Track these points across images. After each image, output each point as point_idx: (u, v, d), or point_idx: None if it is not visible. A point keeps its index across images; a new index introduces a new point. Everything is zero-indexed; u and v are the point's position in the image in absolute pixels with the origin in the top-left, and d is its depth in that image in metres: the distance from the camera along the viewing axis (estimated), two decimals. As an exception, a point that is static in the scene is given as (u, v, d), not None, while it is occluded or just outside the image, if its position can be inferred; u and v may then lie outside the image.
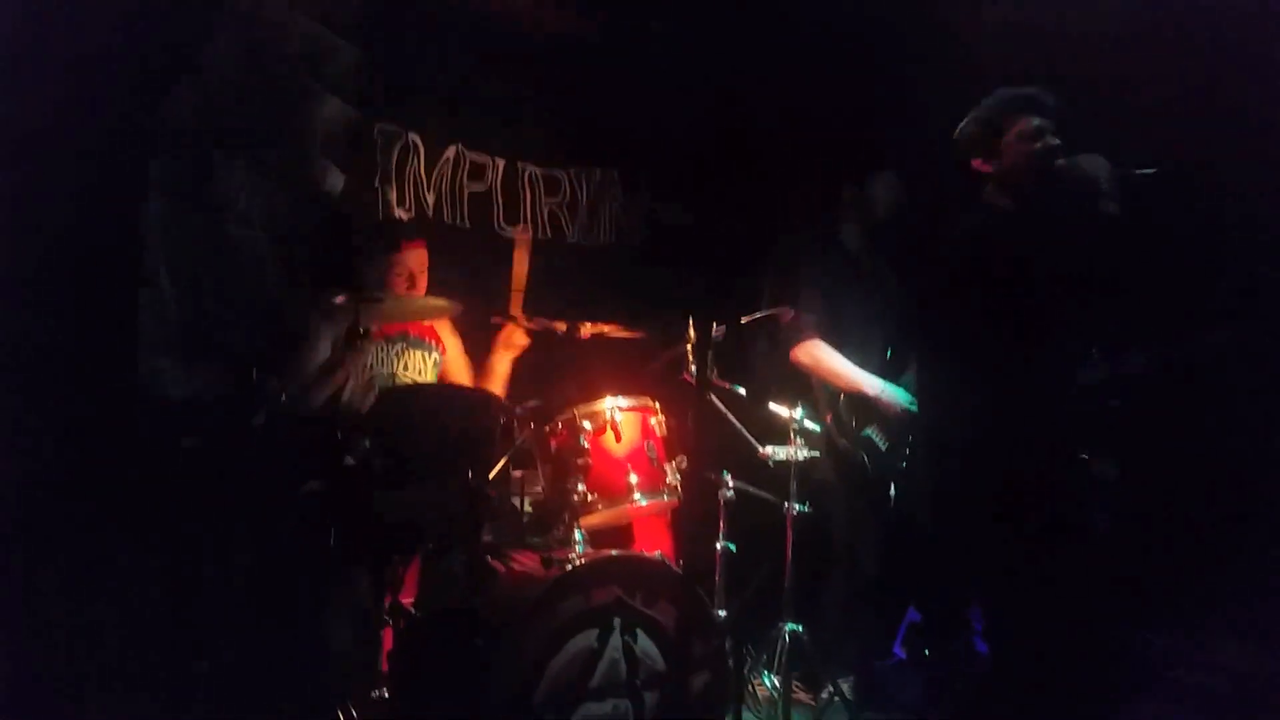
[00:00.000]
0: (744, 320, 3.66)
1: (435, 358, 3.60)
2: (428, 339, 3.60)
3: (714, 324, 3.38)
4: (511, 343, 3.63)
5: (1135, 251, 2.70)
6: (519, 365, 3.66)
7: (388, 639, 3.05)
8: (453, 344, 3.69)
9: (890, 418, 3.67)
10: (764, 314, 3.77)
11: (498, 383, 3.63)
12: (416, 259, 3.48)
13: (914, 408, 3.61)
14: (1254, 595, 3.87)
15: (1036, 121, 2.73)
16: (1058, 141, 2.73)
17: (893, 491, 3.70)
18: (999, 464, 2.59)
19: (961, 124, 2.87)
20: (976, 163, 2.77)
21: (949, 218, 2.80)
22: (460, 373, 3.66)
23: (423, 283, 3.50)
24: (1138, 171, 2.64)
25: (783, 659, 3.48)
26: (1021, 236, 2.67)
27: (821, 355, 3.74)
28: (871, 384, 3.67)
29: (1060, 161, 2.69)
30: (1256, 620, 3.89)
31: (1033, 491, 2.58)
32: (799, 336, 3.80)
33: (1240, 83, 3.50)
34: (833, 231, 4.10)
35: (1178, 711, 3.74)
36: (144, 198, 3.29)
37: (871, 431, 3.71)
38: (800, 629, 3.49)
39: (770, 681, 3.55)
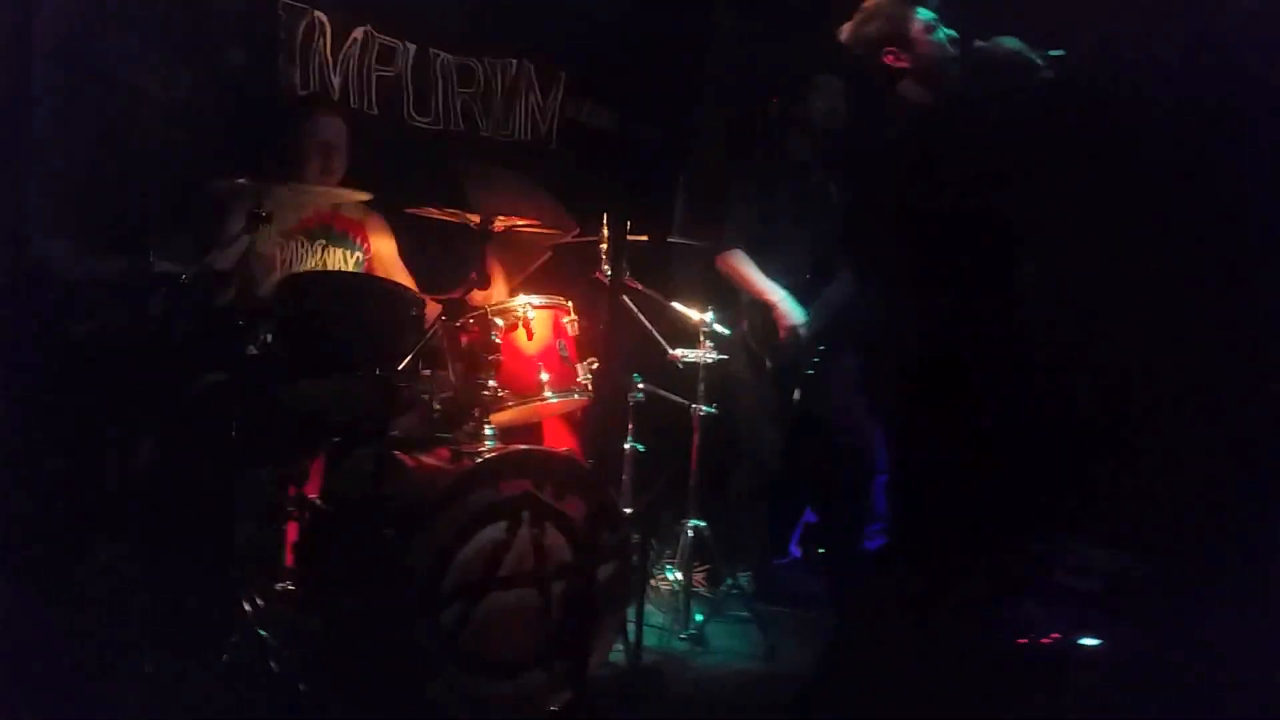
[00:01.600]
0: (669, 239, 3.69)
1: (359, 256, 3.45)
2: (352, 235, 3.45)
3: (629, 227, 3.37)
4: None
5: (1058, 141, 2.73)
6: (433, 258, 3.57)
7: (291, 532, 3.03)
8: (384, 244, 3.53)
9: (781, 328, 3.76)
10: (688, 240, 3.81)
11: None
12: (330, 128, 3.34)
13: (806, 326, 3.71)
14: (1126, 503, 4.10)
15: (928, 13, 2.74)
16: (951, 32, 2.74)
17: (796, 395, 3.79)
18: (925, 367, 2.62)
19: (854, 25, 2.85)
20: (889, 59, 2.76)
21: (870, 123, 2.79)
22: (393, 275, 3.48)
23: (339, 161, 3.35)
24: (1049, 53, 2.65)
25: (685, 554, 3.58)
26: (948, 128, 2.66)
27: (735, 263, 3.86)
28: (774, 294, 3.77)
29: (978, 44, 2.69)
30: (1126, 526, 4.14)
31: (953, 394, 2.64)
32: (723, 246, 3.87)
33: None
34: (772, 140, 4.10)
35: (1052, 612, 3.97)
36: (29, 71, 3.08)
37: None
38: (703, 525, 3.58)
39: (673, 575, 3.64)
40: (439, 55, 4.26)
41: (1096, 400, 4.17)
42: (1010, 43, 2.68)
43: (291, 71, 3.81)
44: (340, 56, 3.98)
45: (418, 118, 4.21)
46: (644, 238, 3.46)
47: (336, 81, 3.96)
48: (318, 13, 3.88)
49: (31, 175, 3.03)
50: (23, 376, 3.01)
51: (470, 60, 4.35)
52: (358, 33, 4.02)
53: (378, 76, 4.10)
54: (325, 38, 3.92)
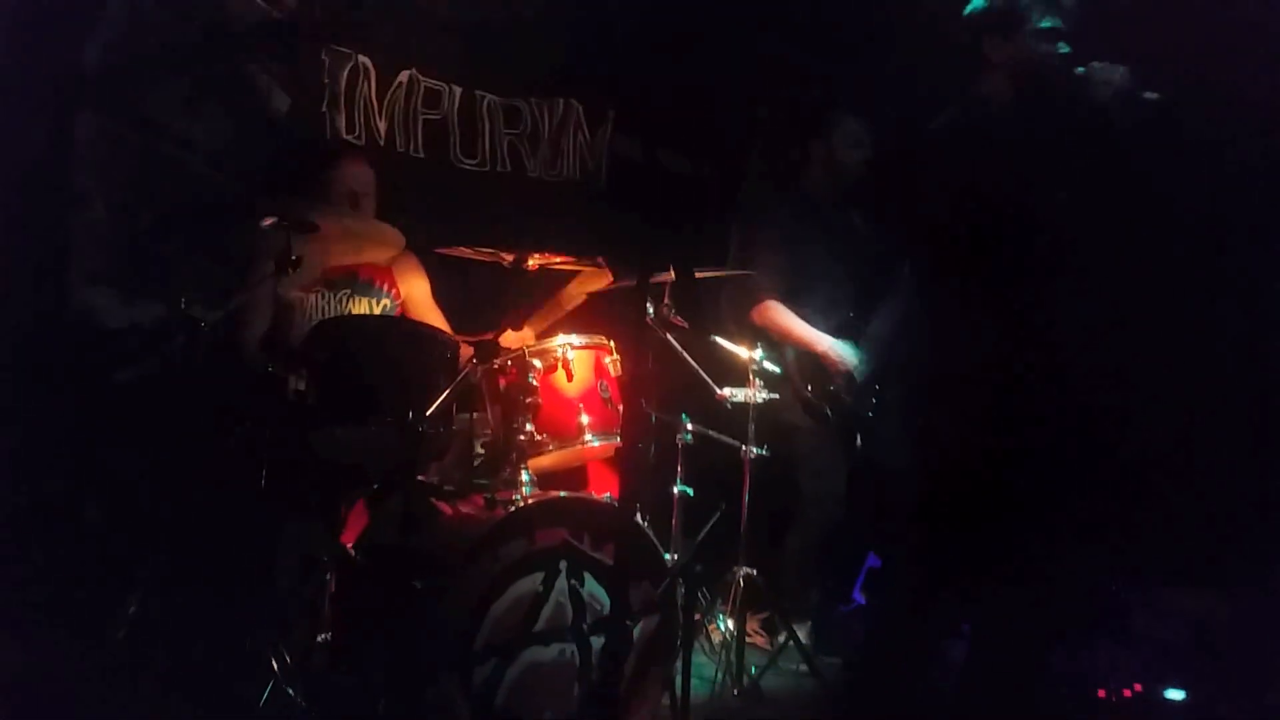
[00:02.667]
0: (699, 275, 3.59)
1: (386, 303, 3.40)
2: (378, 283, 3.41)
3: (670, 268, 3.29)
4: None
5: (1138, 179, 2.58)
6: (469, 297, 3.52)
7: (333, 584, 2.96)
8: (416, 287, 3.48)
9: (835, 374, 3.68)
10: (722, 273, 3.71)
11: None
12: (358, 177, 3.31)
13: (861, 367, 3.60)
14: (1208, 543, 3.89)
15: (1057, 21, 2.60)
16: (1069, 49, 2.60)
17: (859, 441, 3.67)
18: (992, 411, 2.47)
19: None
20: (987, 46, 2.62)
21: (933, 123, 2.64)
22: (426, 319, 3.42)
23: (368, 208, 3.32)
24: (1145, 95, 2.50)
25: (737, 602, 3.43)
26: (1019, 133, 2.53)
27: (774, 316, 3.77)
28: (820, 342, 3.70)
29: (1095, 65, 2.54)
30: (1210, 568, 3.92)
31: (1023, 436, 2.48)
32: (755, 298, 3.79)
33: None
34: (795, 186, 4.03)
35: (1134, 658, 3.76)
36: (75, 117, 3.12)
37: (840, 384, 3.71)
38: (754, 573, 3.44)
39: (725, 625, 3.50)
40: (485, 97, 4.25)
41: (1175, 432, 3.99)
42: (1109, 72, 2.53)
43: (336, 116, 3.82)
44: (385, 100, 3.98)
45: (464, 160, 4.19)
46: (669, 276, 3.36)
47: (382, 126, 3.97)
48: (362, 57, 3.90)
49: (73, 223, 3.05)
50: (66, 424, 3.01)
51: (516, 101, 4.33)
52: (403, 76, 4.03)
53: (424, 120, 4.10)
54: (370, 82, 3.93)
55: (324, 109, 3.79)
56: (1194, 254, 3.50)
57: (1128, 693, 3.57)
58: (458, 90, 4.18)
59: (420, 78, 4.07)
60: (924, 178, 2.67)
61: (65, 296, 3.09)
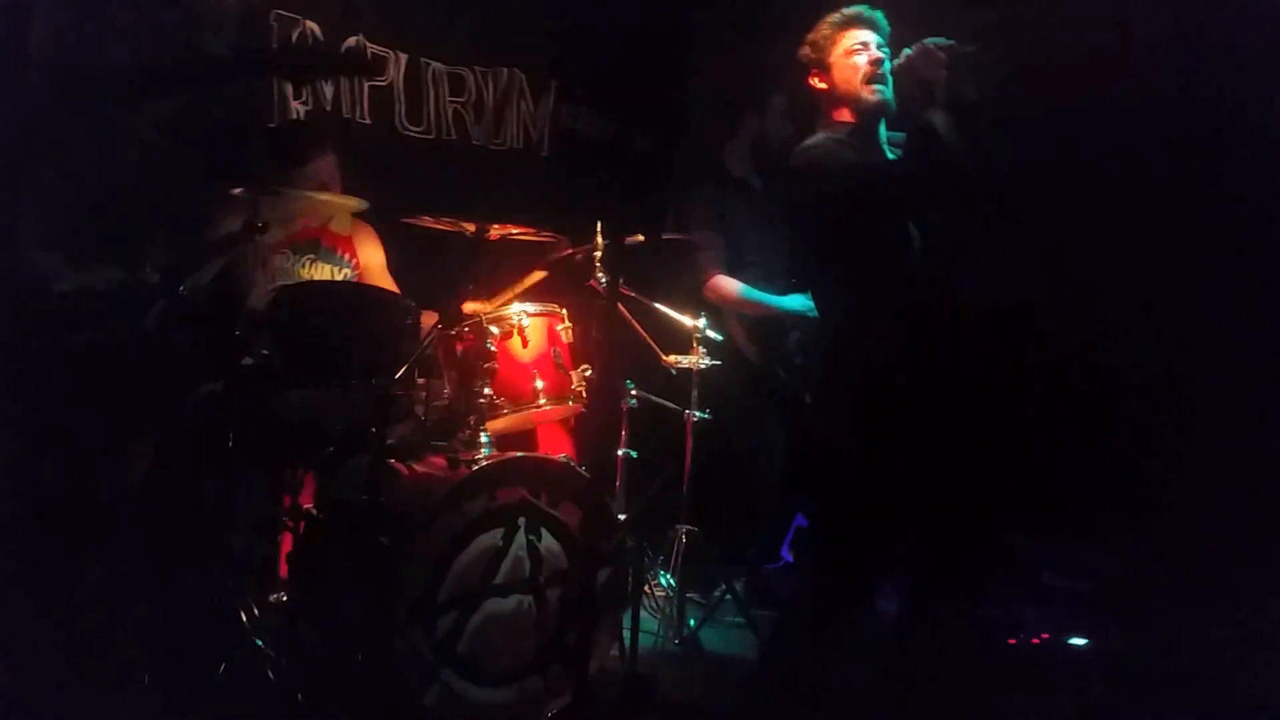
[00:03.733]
0: (664, 237, 3.70)
1: (347, 272, 3.46)
2: (340, 250, 3.46)
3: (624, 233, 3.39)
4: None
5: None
6: (429, 267, 3.58)
7: (287, 543, 3.04)
8: (373, 256, 3.54)
9: (791, 330, 3.78)
10: (682, 236, 3.82)
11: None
12: (325, 169, 3.36)
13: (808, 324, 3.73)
14: (1118, 502, 4.14)
15: (864, 35, 2.71)
16: (882, 55, 2.69)
17: (808, 399, 3.80)
18: (908, 379, 2.64)
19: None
20: (812, 80, 2.76)
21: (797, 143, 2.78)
22: (382, 286, 3.48)
23: (335, 189, 3.38)
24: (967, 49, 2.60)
25: (678, 559, 3.60)
26: (856, 157, 2.64)
27: (725, 288, 3.87)
28: (782, 303, 3.77)
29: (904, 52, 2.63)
30: (1118, 526, 4.17)
31: (926, 397, 2.65)
32: (703, 274, 3.90)
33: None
34: (726, 160, 4.14)
35: (1046, 613, 4.01)
36: (21, 86, 3.09)
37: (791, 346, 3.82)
38: (696, 530, 3.60)
39: (666, 580, 3.66)
40: (430, 64, 4.28)
41: (1084, 397, 4.22)
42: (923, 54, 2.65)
43: (283, 81, 3.82)
44: (333, 66, 3.99)
45: (410, 127, 4.23)
46: (639, 237, 3.46)
47: (329, 91, 3.98)
48: (310, 23, 3.90)
49: (24, 188, 3.02)
50: (16, 388, 3.00)
51: (461, 69, 4.37)
52: (349, 42, 4.04)
53: (370, 86, 4.12)
54: (318, 47, 3.93)
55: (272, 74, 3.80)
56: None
57: (1036, 641, 3.81)
58: (404, 57, 4.21)
59: (366, 44, 4.09)
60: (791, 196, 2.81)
61: (14, 261, 3.07)
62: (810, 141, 2.70)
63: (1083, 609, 4.02)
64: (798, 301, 3.74)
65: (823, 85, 2.74)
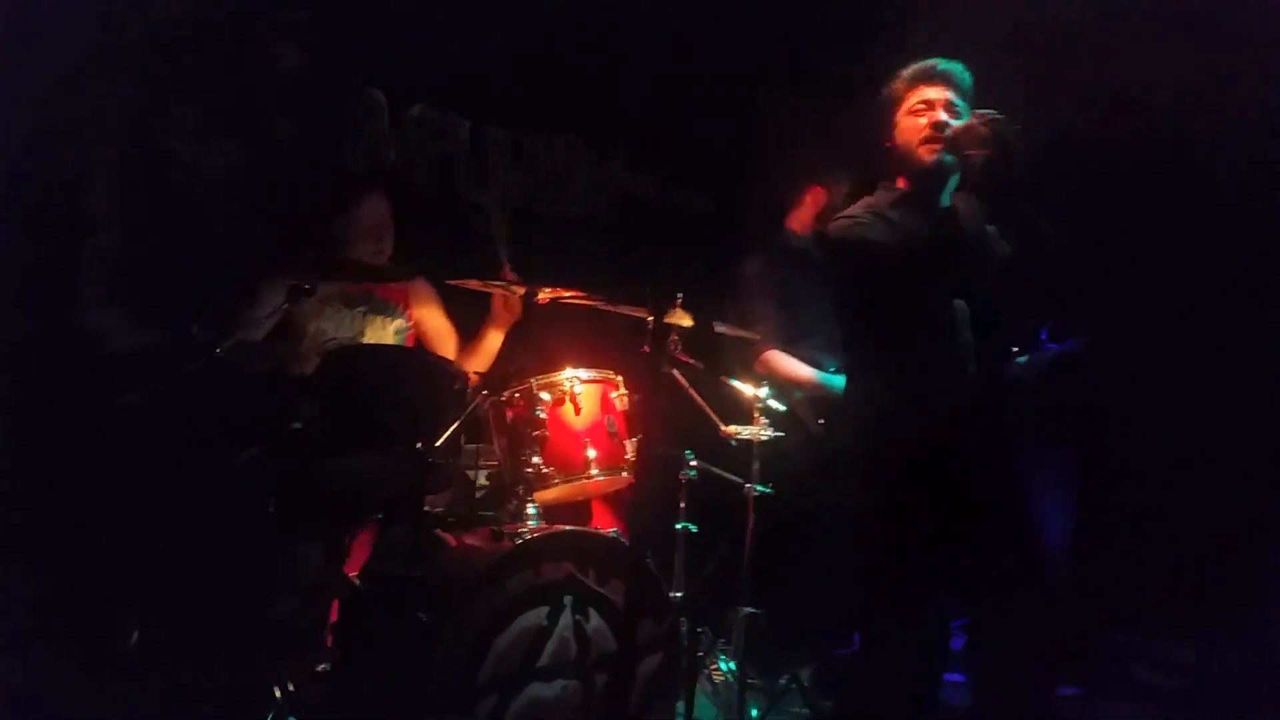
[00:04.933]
0: (716, 329, 3.61)
1: (399, 324, 3.42)
2: (393, 303, 3.42)
3: (679, 300, 3.30)
4: (504, 314, 3.39)
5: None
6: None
7: (334, 612, 2.93)
8: (430, 312, 3.50)
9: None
10: (734, 333, 3.72)
11: (486, 358, 3.42)
12: (377, 211, 3.33)
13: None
14: (1203, 593, 3.89)
15: (931, 93, 2.54)
16: (947, 114, 2.51)
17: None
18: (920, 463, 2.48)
19: None
20: (883, 141, 2.61)
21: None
22: (439, 343, 3.46)
23: (388, 239, 3.35)
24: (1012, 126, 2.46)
25: (740, 643, 3.40)
26: (885, 231, 2.49)
27: (777, 365, 3.79)
28: (834, 382, 3.66)
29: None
30: (1206, 618, 3.91)
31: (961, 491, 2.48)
32: (756, 350, 3.80)
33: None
34: (780, 230, 4.06)
35: (1133, 707, 3.74)
36: (85, 144, 3.14)
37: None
38: (758, 613, 3.41)
39: (726, 666, 3.46)
40: (493, 130, 4.28)
41: (1173, 484, 4.01)
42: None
43: (348, 149, 3.85)
44: (396, 133, 4.01)
45: (472, 193, 4.21)
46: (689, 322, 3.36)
47: (390, 155, 3.99)
48: (375, 91, 3.92)
49: (83, 246, 3.05)
50: (70, 447, 2.99)
51: (524, 135, 4.36)
52: (415, 109, 4.06)
53: (433, 153, 4.12)
54: (381, 114, 3.95)
55: (334, 140, 3.82)
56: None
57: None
58: (466, 124, 4.21)
59: (430, 111, 4.11)
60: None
61: (75, 319, 3.08)
62: (845, 212, 2.58)
63: (1177, 707, 3.74)
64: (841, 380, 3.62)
65: (889, 145, 2.61)
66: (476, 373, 3.08)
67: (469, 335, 3.52)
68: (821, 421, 3.75)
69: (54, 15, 2.99)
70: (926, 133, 2.52)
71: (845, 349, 3.07)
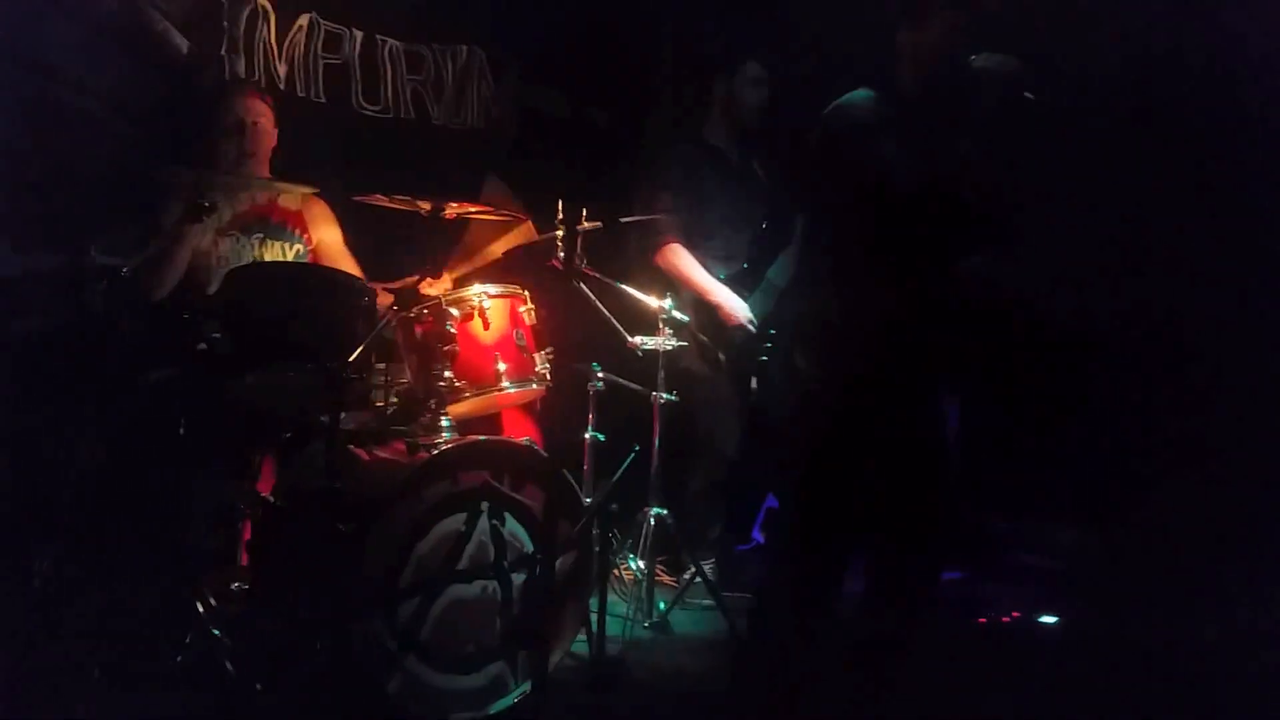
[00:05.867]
0: (622, 220, 3.64)
1: (299, 249, 3.36)
2: (290, 226, 3.35)
3: (584, 214, 3.35)
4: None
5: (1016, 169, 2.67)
6: (382, 245, 3.50)
7: (246, 531, 2.96)
8: (328, 233, 3.44)
9: (726, 328, 3.75)
10: (639, 218, 3.76)
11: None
12: (249, 108, 3.24)
13: (753, 324, 3.70)
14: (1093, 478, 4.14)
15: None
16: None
17: (754, 384, 3.78)
18: (876, 356, 2.60)
19: None
20: (899, 35, 2.60)
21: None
22: (339, 265, 3.36)
23: (260, 142, 3.26)
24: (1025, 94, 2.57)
25: (647, 542, 3.55)
26: (917, 116, 2.55)
27: (675, 260, 3.84)
28: (717, 293, 3.77)
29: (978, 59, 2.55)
30: (1087, 503, 4.18)
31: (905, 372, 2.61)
32: (659, 240, 3.85)
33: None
34: (696, 128, 4.09)
35: (1018, 591, 4.01)
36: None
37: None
38: (665, 514, 3.56)
39: (635, 564, 3.62)
40: (387, 41, 4.19)
41: (1057, 375, 4.21)
42: (1006, 64, 2.58)
43: (235, 60, 3.73)
44: (285, 44, 3.90)
45: (367, 106, 4.14)
46: (596, 224, 3.41)
47: (282, 70, 3.89)
48: (262, 0, 3.80)
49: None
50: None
51: (419, 47, 4.28)
52: (303, 19, 3.95)
53: (325, 64, 4.02)
54: (270, 25, 3.84)
55: (223, 52, 3.70)
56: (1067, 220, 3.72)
57: (1006, 619, 3.81)
58: (359, 34, 4.11)
59: (321, 21, 4.00)
60: (820, 151, 2.71)
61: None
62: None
63: (1055, 587, 4.03)
64: (738, 300, 3.73)
65: (914, 39, 2.58)
66: (386, 289, 3.08)
67: (371, 257, 3.49)
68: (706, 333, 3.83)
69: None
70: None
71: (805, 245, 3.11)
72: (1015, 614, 3.82)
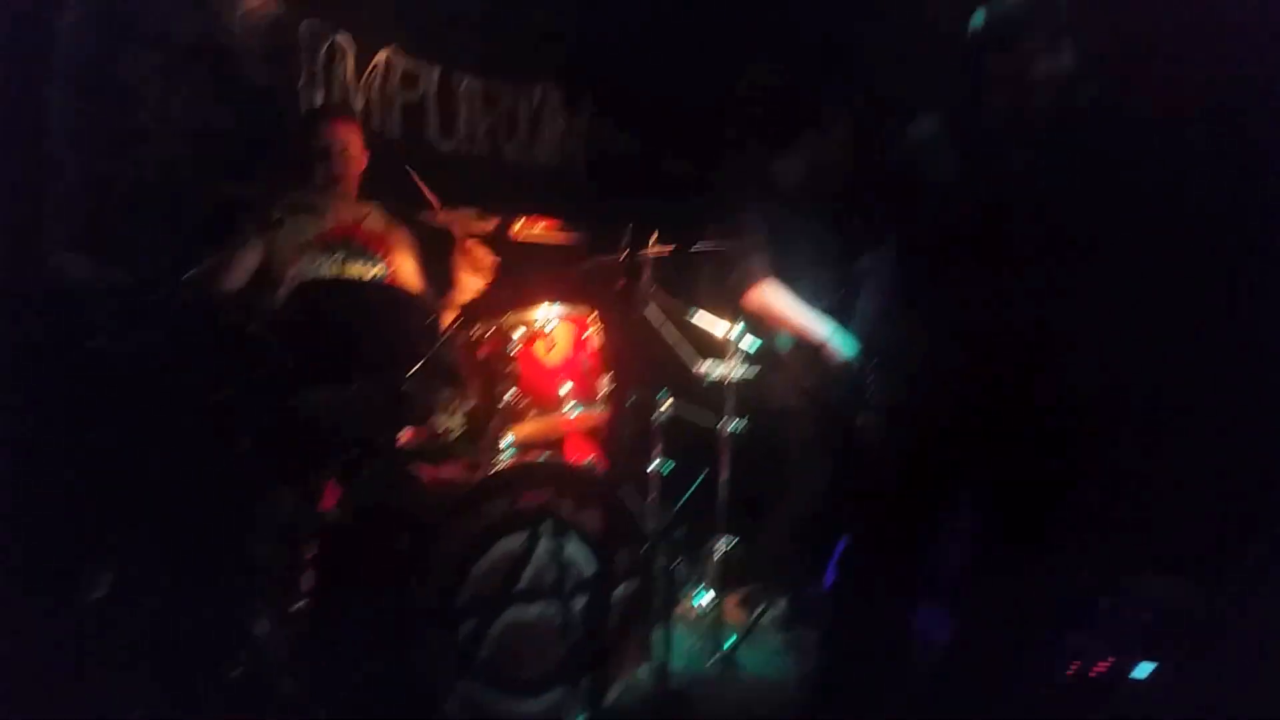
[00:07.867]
0: (694, 249, 3.60)
1: (378, 270, 3.37)
2: (372, 249, 3.38)
3: (655, 238, 3.31)
4: (474, 263, 3.30)
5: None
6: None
7: (309, 549, 2.94)
8: (405, 259, 3.45)
9: (831, 365, 3.64)
10: (712, 248, 3.71)
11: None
12: (338, 131, 3.28)
13: (854, 361, 3.60)
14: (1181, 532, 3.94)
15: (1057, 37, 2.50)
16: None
17: (860, 422, 3.67)
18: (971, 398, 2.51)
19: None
20: (990, 61, 2.51)
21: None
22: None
23: (348, 166, 3.30)
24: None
25: (716, 575, 3.45)
26: (1007, 137, 2.48)
27: (770, 300, 3.72)
28: (820, 331, 3.64)
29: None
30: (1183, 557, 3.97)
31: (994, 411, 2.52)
32: (749, 280, 3.76)
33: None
34: (780, 170, 4.06)
35: (1104, 641, 3.81)
36: (45, 87, 3.10)
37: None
38: (734, 547, 3.46)
39: (702, 597, 3.51)
40: (464, 78, 4.26)
41: (1149, 422, 4.04)
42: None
43: (313, 95, 3.81)
44: (364, 80, 3.98)
45: (441, 142, 4.20)
46: (668, 249, 3.37)
47: (359, 105, 3.96)
48: (340, 35, 3.89)
49: (48, 189, 3.02)
50: (39, 390, 2.96)
51: (495, 84, 4.34)
52: (381, 56, 4.03)
53: (401, 100, 4.10)
54: (348, 61, 3.93)
55: (300, 86, 3.79)
56: (1170, 248, 3.56)
57: (1094, 672, 3.61)
58: (436, 70, 4.19)
59: (399, 57, 4.08)
60: (910, 177, 2.65)
61: (39, 264, 3.05)
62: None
63: (1148, 639, 3.83)
64: (840, 336, 3.60)
65: (1005, 67, 2.48)
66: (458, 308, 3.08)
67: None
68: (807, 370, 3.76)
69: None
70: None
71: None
72: (1106, 665, 3.61)
